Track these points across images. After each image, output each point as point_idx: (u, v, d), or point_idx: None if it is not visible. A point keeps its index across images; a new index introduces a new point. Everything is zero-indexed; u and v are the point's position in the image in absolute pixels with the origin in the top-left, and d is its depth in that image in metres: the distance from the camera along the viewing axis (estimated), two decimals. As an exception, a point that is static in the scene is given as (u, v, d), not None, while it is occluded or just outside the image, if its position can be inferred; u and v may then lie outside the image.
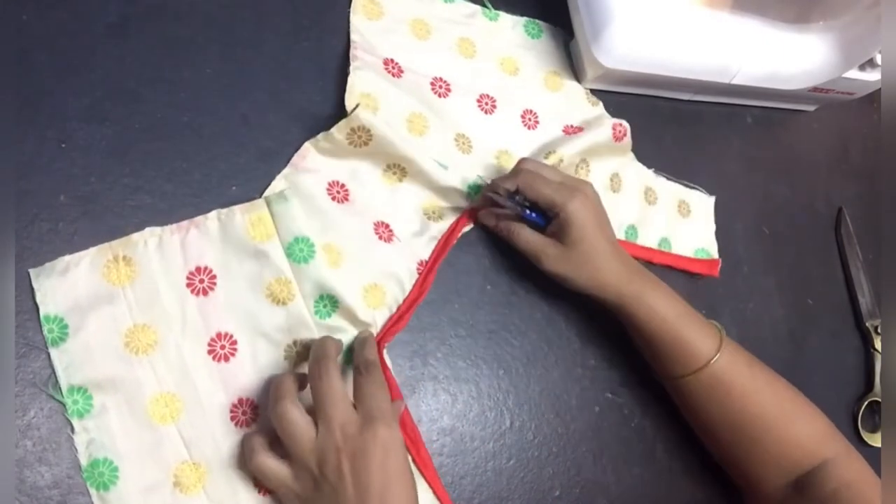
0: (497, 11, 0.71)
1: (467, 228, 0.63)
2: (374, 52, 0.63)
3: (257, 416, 0.52)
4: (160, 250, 0.51)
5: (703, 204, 0.77)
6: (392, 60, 0.63)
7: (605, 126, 0.69)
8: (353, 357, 0.53)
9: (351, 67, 0.60)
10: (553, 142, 0.69)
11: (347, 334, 0.56)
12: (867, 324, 0.85)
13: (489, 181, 0.62)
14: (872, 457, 0.80)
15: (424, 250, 0.61)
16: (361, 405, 0.49)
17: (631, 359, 0.68)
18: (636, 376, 0.68)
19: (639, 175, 0.73)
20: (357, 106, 0.56)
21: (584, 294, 0.61)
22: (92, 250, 0.49)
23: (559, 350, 0.65)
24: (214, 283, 0.52)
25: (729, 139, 0.83)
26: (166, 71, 0.56)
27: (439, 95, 0.65)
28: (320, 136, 0.57)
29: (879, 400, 0.82)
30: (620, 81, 0.73)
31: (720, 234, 0.78)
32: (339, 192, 0.58)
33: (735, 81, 0.75)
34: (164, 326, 0.50)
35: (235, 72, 0.58)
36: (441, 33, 0.67)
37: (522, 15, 0.72)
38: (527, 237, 0.61)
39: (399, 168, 0.60)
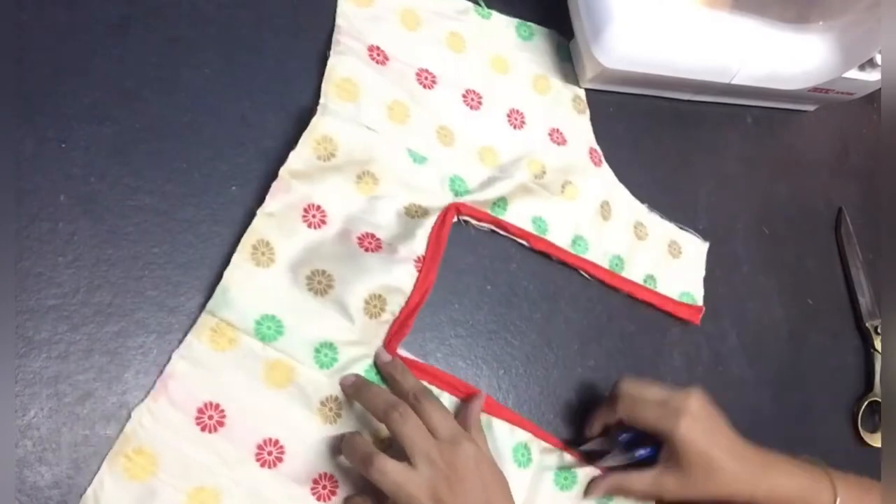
0: (490, 11, 0.70)
1: (456, 219, 0.62)
2: (360, 38, 0.62)
3: (337, 488, 0.53)
4: (157, 421, 0.49)
5: (695, 248, 0.76)
6: (378, 48, 0.63)
7: (584, 148, 0.70)
8: (394, 390, 0.53)
9: (332, 51, 0.60)
10: (537, 147, 0.68)
11: (363, 360, 0.55)
12: (867, 324, 0.85)
13: (586, 440, 0.62)
14: (872, 457, 0.81)
15: (419, 245, 0.59)
16: (436, 432, 0.49)
17: (631, 359, 0.68)
18: (635, 376, 0.68)
19: (630, 208, 0.72)
20: (318, 108, 0.57)
21: None
22: (104, 467, 0.47)
23: (559, 350, 0.65)
24: (223, 414, 0.51)
25: (729, 139, 0.83)
26: (166, 71, 0.56)
27: (424, 87, 0.64)
28: (290, 157, 0.56)
29: (879, 400, 0.82)
30: (620, 81, 0.73)
31: (719, 235, 0.78)
32: (314, 215, 0.57)
33: (735, 81, 0.75)
34: (210, 476, 0.49)
35: (235, 72, 0.58)
36: (431, 26, 0.66)
37: (521, 14, 0.72)
38: (641, 486, 0.59)
39: (370, 175, 0.59)
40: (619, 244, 0.70)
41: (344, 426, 0.53)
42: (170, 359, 0.50)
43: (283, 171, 0.56)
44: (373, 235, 0.58)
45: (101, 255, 0.51)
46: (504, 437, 0.59)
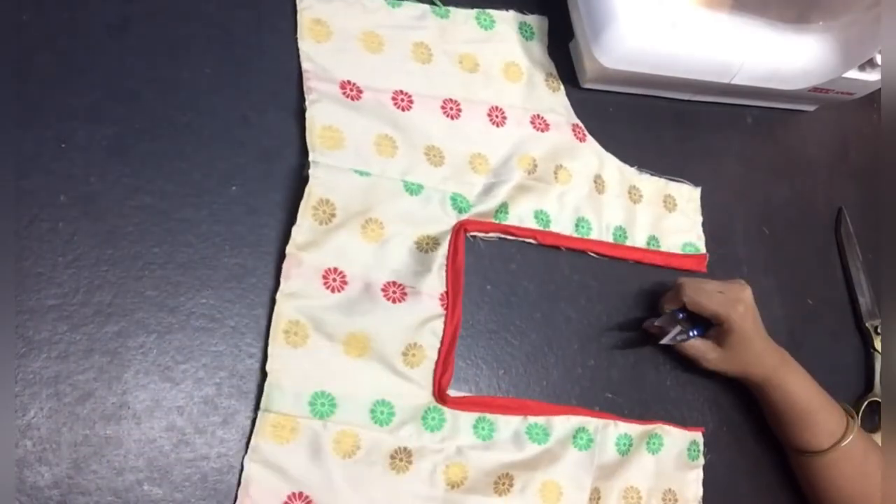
0: (447, 8, 0.68)
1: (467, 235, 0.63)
2: (330, 77, 0.61)
3: None
4: None
5: (688, 195, 0.77)
6: (349, 82, 0.62)
7: (567, 126, 0.70)
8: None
9: (307, 102, 0.59)
10: (523, 141, 0.68)
11: (418, 409, 0.58)
12: (867, 324, 0.85)
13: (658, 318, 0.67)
14: (872, 457, 0.80)
15: (439, 283, 0.60)
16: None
17: (630, 359, 0.68)
18: (634, 376, 0.68)
19: (622, 174, 0.73)
20: (307, 167, 0.57)
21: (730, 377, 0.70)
22: None
23: (559, 350, 0.65)
24: (309, 500, 0.53)
25: (729, 139, 0.83)
26: (166, 71, 0.56)
27: (402, 109, 0.63)
28: (293, 232, 0.56)
29: (879, 400, 0.82)
30: (620, 81, 0.73)
31: (719, 235, 0.78)
32: (335, 279, 0.57)
33: (735, 81, 0.75)
34: None
35: (235, 72, 0.58)
36: (394, 43, 0.65)
37: (522, 13, 0.72)
38: (690, 349, 0.68)
39: (374, 221, 0.59)
40: (617, 214, 0.71)
41: (414, 474, 0.56)
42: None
43: (290, 248, 0.56)
44: (395, 283, 0.59)
45: (100, 255, 0.51)
46: (560, 428, 0.62)
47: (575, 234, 0.68)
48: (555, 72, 0.72)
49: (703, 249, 0.76)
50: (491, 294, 0.64)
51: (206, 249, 0.54)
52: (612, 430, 0.65)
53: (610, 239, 0.70)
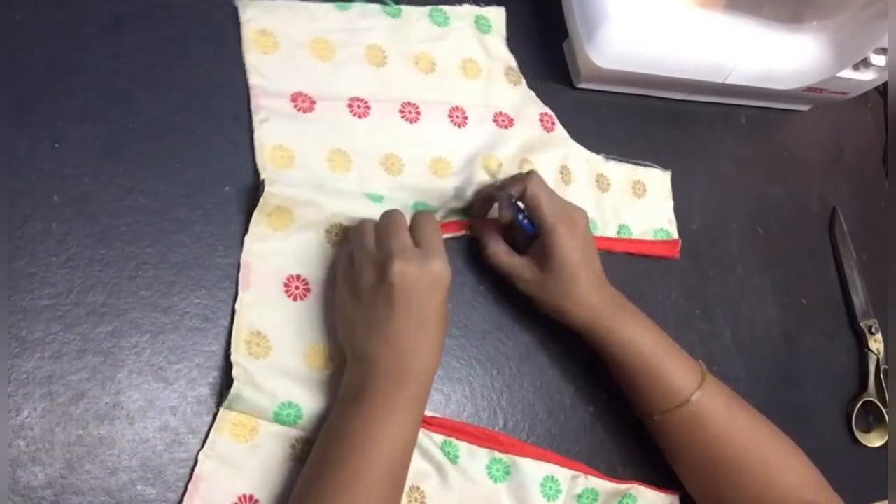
0: (398, 7, 0.66)
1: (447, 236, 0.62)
2: (279, 91, 0.59)
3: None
4: None
5: (658, 180, 0.76)
6: (301, 94, 0.59)
7: (534, 117, 0.69)
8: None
9: (255, 121, 0.57)
10: (487, 142, 0.66)
11: None
12: (861, 324, 0.85)
13: (497, 181, 0.62)
14: (867, 457, 0.81)
15: None
16: (420, 243, 0.52)
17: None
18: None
19: (589, 162, 0.71)
20: (263, 181, 0.55)
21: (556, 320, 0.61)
22: None
23: (553, 349, 0.65)
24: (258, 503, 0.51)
25: (723, 139, 0.83)
26: (159, 71, 0.56)
27: (359, 116, 0.61)
28: (245, 241, 0.54)
29: (874, 400, 0.82)
30: (614, 81, 0.74)
31: (713, 234, 0.78)
32: (297, 286, 0.55)
33: (729, 81, 0.75)
34: None
35: (228, 71, 0.58)
36: (346, 48, 0.62)
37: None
38: (502, 256, 0.61)
39: (336, 226, 0.57)
40: (586, 205, 0.68)
41: None
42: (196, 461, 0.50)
43: (244, 257, 0.54)
44: None
45: (94, 255, 0.51)
46: (531, 472, 0.59)
47: None
48: (514, 64, 0.71)
49: (675, 234, 0.75)
50: (484, 294, 0.64)
51: (200, 249, 0.54)
52: (581, 482, 0.62)
53: None
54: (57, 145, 0.51)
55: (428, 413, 0.57)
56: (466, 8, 0.69)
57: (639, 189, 0.74)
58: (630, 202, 0.73)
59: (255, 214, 0.54)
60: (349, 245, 0.54)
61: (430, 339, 0.51)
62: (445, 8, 0.68)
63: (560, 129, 0.71)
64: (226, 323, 0.54)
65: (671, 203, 0.76)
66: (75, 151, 0.52)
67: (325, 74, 0.61)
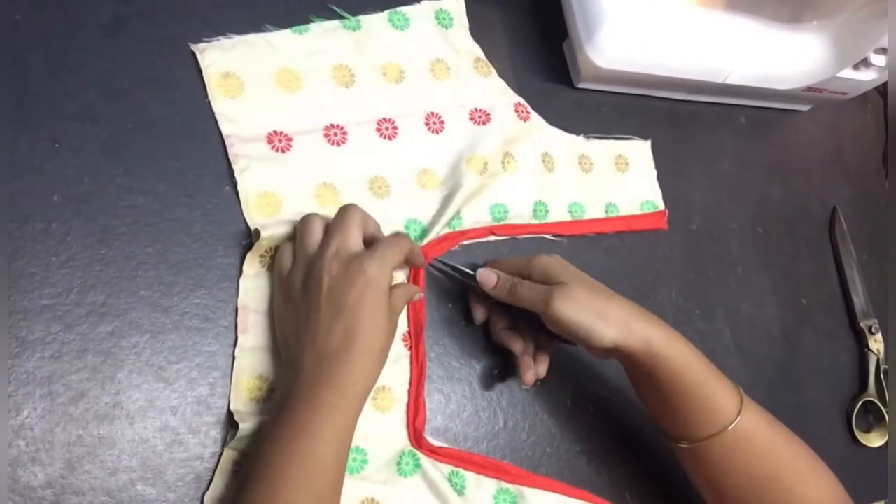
0: (356, 18, 0.63)
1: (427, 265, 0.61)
2: (254, 135, 0.57)
3: None
4: None
5: (639, 151, 0.76)
6: (275, 132, 0.58)
7: (509, 108, 0.68)
8: None
9: (236, 172, 0.56)
10: (468, 143, 0.65)
11: (393, 456, 0.56)
12: (861, 323, 0.85)
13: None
14: (866, 457, 0.81)
15: (401, 323, 0.58)
16: (372, 246, 0.51)
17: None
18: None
19: (570, 146, 0.71)
20: (256, 231, 0.54)
21: (594, 347, 0.55)
22: None
23: (553, 350, 0.65)
24: None
25: (723, 139, 0.83)
26: (159, 71, 0.56)
27: (337, 144, 0.60)
28: (241, 285, 0.54)
29: (874, 400, 0.82)
30: (614, 81, 0.74)
31: (714, 234, 0.78)
32: None
33: (729, 81, 0.75)
34: None
35: (229, 72, 0.58)
36: (312, 74, 0.60)
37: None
38: (529, 286, 0.56)
39: None
40: (571, 189, 0.69)
41: None
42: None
43: (240, 301, 0.54)
44: None
45: (94, 255, 0.51)
46: (538, 502, 0.60)
47: (533, 220, 0.67)
48: (482, 54, 0.69)
49: (661, 205, 0.76)
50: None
51: (200, 249, 0.54)
52: None
53: (567, 217, 0.69)
54: (57, 145, 0.51)
55: (435, 442, 0.58)
56: (425, 4, 0.67)
57: (622, 164, 0.74)
58: (614, 178, 0.74)
59: (248, 256, 0.54)
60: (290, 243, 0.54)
61: (361, 347, 0.48)
62: (404, 9, 0.66)
63: (536, 117, 0.70)
64: (226, 323, 0.54)
65: (654, 173, 0.77)
66: (75, 151, 0.52)
67: (296, 106, 0.59)
